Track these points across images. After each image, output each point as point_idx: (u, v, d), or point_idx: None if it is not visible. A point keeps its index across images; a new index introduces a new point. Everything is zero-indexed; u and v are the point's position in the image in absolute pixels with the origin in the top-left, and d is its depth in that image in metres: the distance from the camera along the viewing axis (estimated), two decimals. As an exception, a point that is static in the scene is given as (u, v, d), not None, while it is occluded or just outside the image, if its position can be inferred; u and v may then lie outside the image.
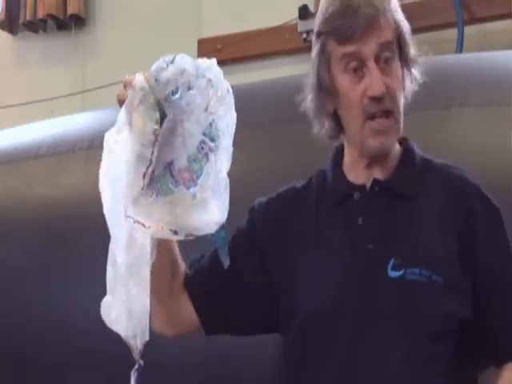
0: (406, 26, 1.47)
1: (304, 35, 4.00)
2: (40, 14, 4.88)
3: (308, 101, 1.50)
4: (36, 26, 5.00)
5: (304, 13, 4.00)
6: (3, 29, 5.05)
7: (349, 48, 1.39)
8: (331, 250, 1.42)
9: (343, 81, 1.42)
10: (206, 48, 4.28)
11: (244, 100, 2.34)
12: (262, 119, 2.18)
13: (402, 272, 1.35)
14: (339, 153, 1.52)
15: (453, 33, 3.64)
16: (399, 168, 1.46)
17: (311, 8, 4.01)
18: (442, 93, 1.93)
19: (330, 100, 1.46)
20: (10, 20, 5.01)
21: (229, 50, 4.17)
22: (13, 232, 2.46)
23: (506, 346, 1.39)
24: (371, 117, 1.40)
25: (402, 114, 1.44)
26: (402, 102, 1.43)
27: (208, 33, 4.31)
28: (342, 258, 1.40)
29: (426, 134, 1.88)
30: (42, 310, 2.30)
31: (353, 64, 1.40)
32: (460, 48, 3.58)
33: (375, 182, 1.44)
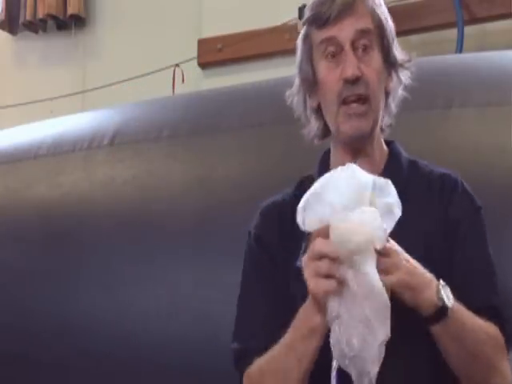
0: (389, 24, 1.48)
1: (304, 35, 4.00)
2: (40, 14, 4.88)
3: (295, 98, 1.52)
4: (36, 26, 5.00)
5: (304, 13, 4.00)
6: (3, 29, 5.05)
7: (326, 33, 1.43)
8: None
9: (322, 67, 1.45)
10: (205, 48, 4.28)
11: (244, 100, 2.35)
12: (262, 119, 2.18)
13: None
14: (326, 156, 1.54)
15: (453, 33, 3.64)
16: (386, 169, 1.48)
17: (311, 8, 4.01)
18: (442, 93, 1.93)
19: (313, 93, 1.48)
20: (10, 20, 5.01)
21: (229, 50, 4.17)
22: (13, 232, 2.46)
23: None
24: (345, 102, 1.42)
25: (379, 104, 1.45)
26: (379, 93, 1.45)
27: (208, 33, 4.31)
28: None
29: (426, 134, 1.88)
30: (42, 310, 2.30)
31: (330, 49, 1.43)
32: (460, 48, 3.58)
33: None
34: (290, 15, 4.04)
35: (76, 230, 2.31)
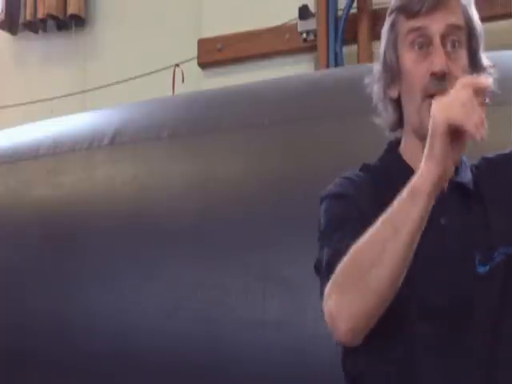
0: (479, 25, 1.45)
1: (304, 35, 4.00)
2: (40, 14, 4.89)
3: (374, 86, 1.48)
4: (36, 26, 5.01)
5: (304, 13, 4.00)
6: (3, 29, 5.06)
7: (416, 22, 1.40)
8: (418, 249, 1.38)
9: (407, 58, 1.42)
10: (205, 48, 4.29)
11: (244, 100, 2.35)
12: (262, 119, 2.19)
13: (488, 266, 1.37)
14: (393, 147, 1.50)
15: (453, 33, 3.64)
16: (459, 166, 1.46)
17: (311, 8, 4.02)
18: (442, 93, 1.93)
19: (395, 83, 1.45)
20: (10, 20, 5.02)
21: (229, 50, 4.17)
22: (13, 232, 2.46)
23: None
24: (431, 96, 1.38)
25: None
26: None
27: (208, 33, 4.31)
28: (432, 257, 1.37)
29: (426, 133, 1.88)
30: (42, 310, 2.31)
31: (419, 40, 1.40)
32: (460, 48, 3.59)
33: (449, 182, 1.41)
34: (290, 15, 4.05)
35: (76, 230, 2.31)
